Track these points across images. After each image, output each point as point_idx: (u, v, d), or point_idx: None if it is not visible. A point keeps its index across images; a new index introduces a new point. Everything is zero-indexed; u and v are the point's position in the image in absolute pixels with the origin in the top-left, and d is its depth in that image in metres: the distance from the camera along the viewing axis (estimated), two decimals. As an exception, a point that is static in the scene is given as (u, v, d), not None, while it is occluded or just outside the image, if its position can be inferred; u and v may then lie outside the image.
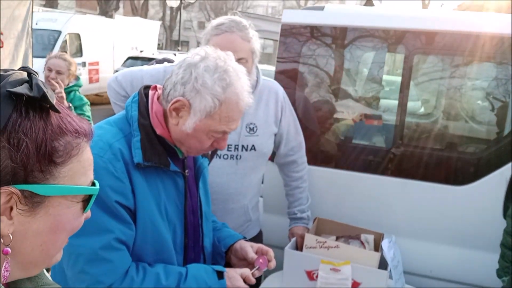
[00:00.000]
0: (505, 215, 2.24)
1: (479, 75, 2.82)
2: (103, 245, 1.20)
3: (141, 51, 15.86)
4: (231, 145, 2.05)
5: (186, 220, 1.40)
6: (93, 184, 0.72)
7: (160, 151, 1.30)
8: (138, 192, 1.26)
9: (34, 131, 0.62)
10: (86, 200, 0.71)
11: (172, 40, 37.71)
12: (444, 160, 2.58)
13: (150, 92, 1.36)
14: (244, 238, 1.60)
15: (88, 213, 0.74)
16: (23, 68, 0.68)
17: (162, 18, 34.28)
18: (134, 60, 13.85)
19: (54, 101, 0.64)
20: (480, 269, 2.30)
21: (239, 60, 1.90)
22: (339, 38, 2.69)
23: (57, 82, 3.24)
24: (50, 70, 3.39)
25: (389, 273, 1.94)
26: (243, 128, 2.08)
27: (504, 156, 2.35)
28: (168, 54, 16.62)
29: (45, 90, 0.63)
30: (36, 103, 0.63)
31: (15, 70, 0.66)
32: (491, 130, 2.77)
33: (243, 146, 2.07)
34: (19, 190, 0.62)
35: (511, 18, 2.32)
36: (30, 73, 0.66)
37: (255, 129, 2.09)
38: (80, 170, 0.69)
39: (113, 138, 1.27)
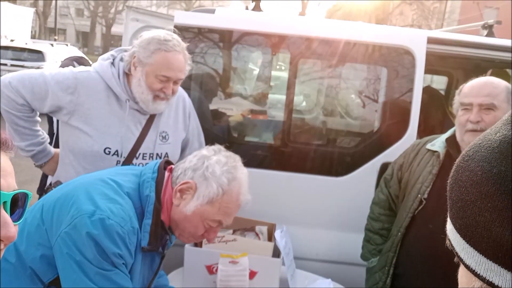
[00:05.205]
0: (376, 201, 2.58)
1: (353, 77, 3.17)
2: None
3: (11, 40, 14.37)
4: (146, 153, 2.10)
5: None
6: None
7: (159, 236, 1.40)
8: (132, 270, 1.37)
9: None
10: None
11: (47, 27, 34.74)
12: (324, 154, 2.87)
13: (166, 174, 1.46)
14: None
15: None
16: None
17: (35, 4, 31.33)
18: (4, 50, 12.50)
19: None
20: (358, 249, 2.62)
21: (179, 80, 2.04)
22: (228, 40, 2.81)
23: None
24: None
25: (282, 260, 2.13)
26: (157, 137, 2.12)
27: (375, 149, 2.70)
28: (43, 44, 15.34)
29: None
30: None
31: None
32: (364, 125, 3.13)
33: (157, 154, 2.13)
34: None
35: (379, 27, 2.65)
36: None
37: (167, 137, 2.16)
38: None
39: (131, 211, 1.35)
